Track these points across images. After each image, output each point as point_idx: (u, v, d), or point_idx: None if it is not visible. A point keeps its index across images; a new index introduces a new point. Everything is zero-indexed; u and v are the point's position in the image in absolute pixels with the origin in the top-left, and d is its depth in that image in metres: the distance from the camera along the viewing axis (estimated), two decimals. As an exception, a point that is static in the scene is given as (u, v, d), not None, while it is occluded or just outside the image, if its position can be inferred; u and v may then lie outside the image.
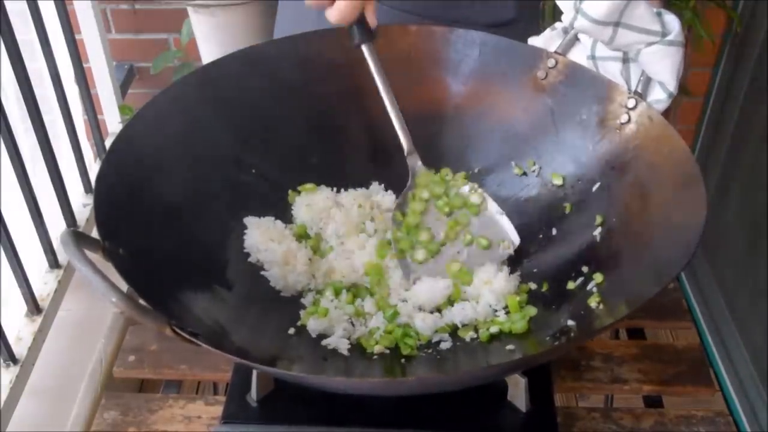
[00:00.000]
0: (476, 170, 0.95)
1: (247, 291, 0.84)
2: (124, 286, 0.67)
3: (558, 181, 0.90)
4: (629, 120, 0.85)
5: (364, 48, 0.88)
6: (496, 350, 0.79)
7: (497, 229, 0.89)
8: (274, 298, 0.85)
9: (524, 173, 0.93)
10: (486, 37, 0.93)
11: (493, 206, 0.90)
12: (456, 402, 0.81)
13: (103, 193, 0.75)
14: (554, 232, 0.88)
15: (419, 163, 0.91)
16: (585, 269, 0.82)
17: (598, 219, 0.85)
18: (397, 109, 0.89)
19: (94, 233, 0.72)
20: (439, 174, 0.92)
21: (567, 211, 0.89)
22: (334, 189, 0.94)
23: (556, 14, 0.93)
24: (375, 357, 0.79)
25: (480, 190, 0.91)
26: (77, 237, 0.66)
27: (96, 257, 0.67)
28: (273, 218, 0.90)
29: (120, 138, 0.80)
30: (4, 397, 1.01)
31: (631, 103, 0.85)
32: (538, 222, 0.90)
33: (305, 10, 0.86)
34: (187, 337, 0.64)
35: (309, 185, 0.93)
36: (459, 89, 0.95)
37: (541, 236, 0.89)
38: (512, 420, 0.81)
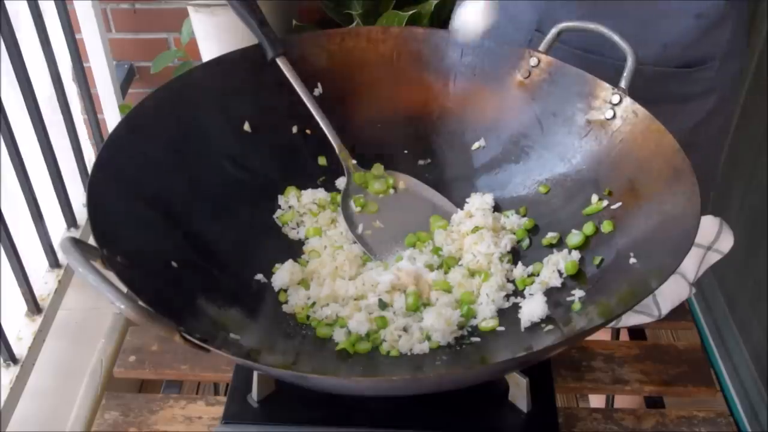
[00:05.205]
0: (464, 172, 0.95)
1: (246, 290, 0.84)
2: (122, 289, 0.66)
3: (543, 190, 0.90)
4: (614, 115, 0.85)
5: (279, 62, 0.90)
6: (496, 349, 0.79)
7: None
8: (276, 298, 0.85)
9: (512, 174, 0.92)
10: (468, 38, 0.93)
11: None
12: (457, 402, 0.81)
13: (97, 198, 0.75)
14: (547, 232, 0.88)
15: (353, 161, 0.93)
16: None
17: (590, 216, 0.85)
18: (322, 115, 0.91)
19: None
20: (371, 171, 0.94)
21: (557, 209, 0.88)
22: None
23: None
24: (375, 356, 0.79)
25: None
26: (78, 245, 0.64)
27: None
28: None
29: (110, 142, 0.80)
30: (4, 397, 1.01)
31: (616, 98, 0.85)
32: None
33: None
34: (197, 342, 0.64)
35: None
36: (443, 90, 0.95)
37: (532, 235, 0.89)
38: (513, 420, 0.81)
